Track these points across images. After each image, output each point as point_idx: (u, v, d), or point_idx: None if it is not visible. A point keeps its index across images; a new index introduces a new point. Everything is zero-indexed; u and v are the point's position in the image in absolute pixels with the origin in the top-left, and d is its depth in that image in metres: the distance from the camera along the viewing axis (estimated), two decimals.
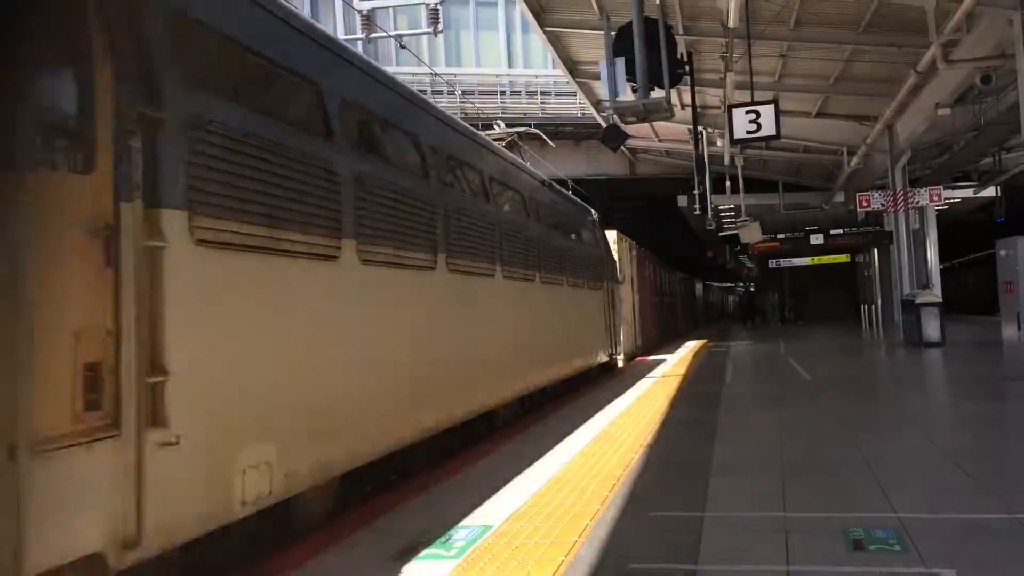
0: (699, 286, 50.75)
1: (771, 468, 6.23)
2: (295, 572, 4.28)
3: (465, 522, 5.07)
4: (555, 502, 5.46)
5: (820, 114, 22.13)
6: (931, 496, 5.18)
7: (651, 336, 25.13)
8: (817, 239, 32.36)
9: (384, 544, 4.67)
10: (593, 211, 16.16)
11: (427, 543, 4.63)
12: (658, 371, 15.91)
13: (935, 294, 19.23)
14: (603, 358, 15.34)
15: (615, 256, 18.10)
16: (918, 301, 18.31)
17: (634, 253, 22.13)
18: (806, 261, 37.69)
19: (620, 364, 17.79)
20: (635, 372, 16.09)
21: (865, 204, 24.08)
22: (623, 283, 19.12)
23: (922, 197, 23.02)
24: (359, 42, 16.25)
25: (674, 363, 17.91)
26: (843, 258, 37.59)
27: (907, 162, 22.85)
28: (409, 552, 4.48)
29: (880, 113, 19.94)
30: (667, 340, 28.98)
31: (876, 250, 32.82)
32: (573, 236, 13.63)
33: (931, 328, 17.83)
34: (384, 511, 5.47)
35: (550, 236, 11.57)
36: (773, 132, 11.69)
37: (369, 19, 15.04)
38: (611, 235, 18.46)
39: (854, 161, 23.84)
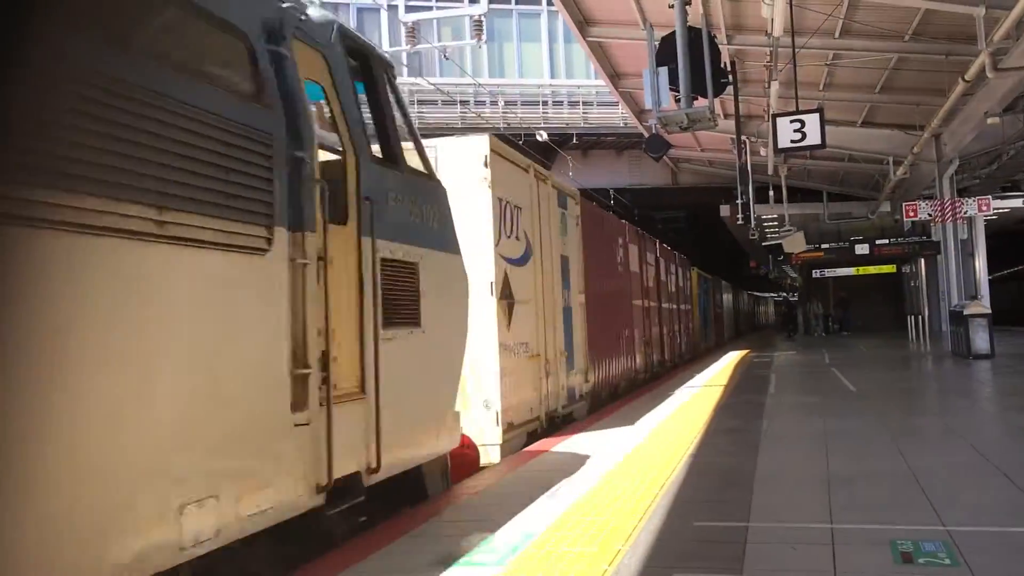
0: (729, 295, 43.86)
1: (817, 479, 6.17)
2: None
3: (506, 529, 5.09)
4: (598, 508, 5.46)
5: (865, 123, 21.89)
6: (982, 509, 5.10)
7: (629, 369, 15.49)
8: (862, 249, 31.94)
9: (424, 551, 4.71)
10: None
11: (468, 550, 4.66)
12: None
13: (984, 305, 18.88)
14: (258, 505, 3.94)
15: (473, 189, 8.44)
16: (966, 312, 17.99)
17: (577, 211, 12.18)
18: (851, 271, 37.21)
19: (492, 457, 8.17)
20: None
21: (912, 214, 23.70)
22: (529, 263, 9.74)
23: (970, 207, 22.62)
24: (403, 53, 16.42)
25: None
26: (889, 268, 37.06)
27: (955, 171, 22.48)
28: (449, 559, 4.50)
29: (927, 122, 19.66)
30: (677, 366, 21.23)
31: (923, 260, 32.30)
32: None
33: (980, 339, 17.50)
34: (425, 518, 5.51)
35: None
36: (818, 141, 11.61)
37: (414, 30, 15.21)
38: (472, 147, 8.67)
39: (900, 170, 23.52)
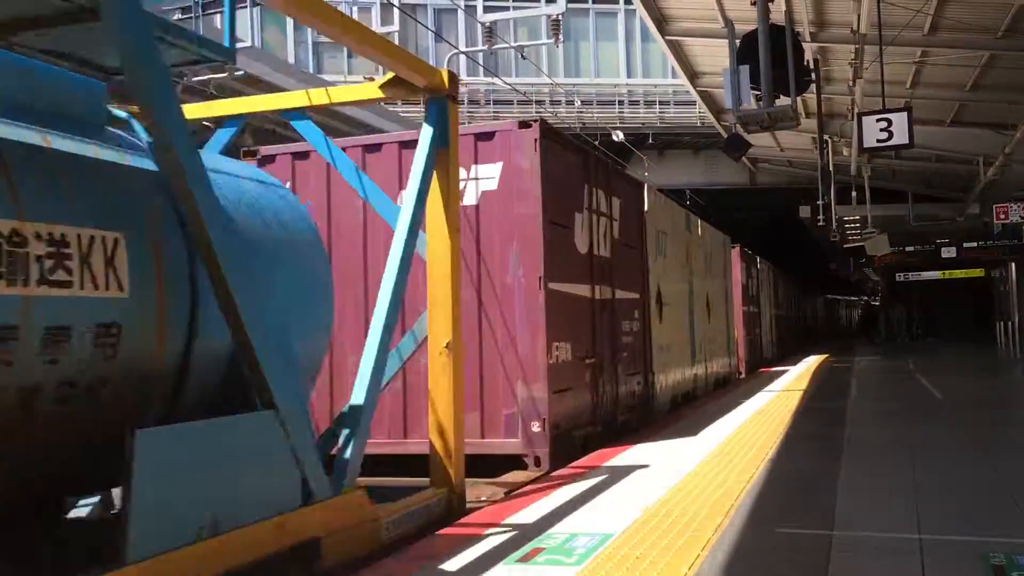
0: (798, 295, 41.58)
1: (903, 488, 6.01)
2: (415, 573, 4.35)
3: (585, 529, 5.07)
4: (676, 512, 5.40)
5: (954, 122, 21.18)
6: None
7: None
8: (949, 252, 30.99)
9: (504, 548, 4.72)
10: None
11: (547, 549, 4.65)
12: None
13: None
14: None
15: None
16: None
17: None
18: (936, 275, 36.10)
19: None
20: None
21: (1003, 216, 22.90)
22: None
23: None
24: (480, 53, 16.51)
25: None
26: (977, 272, 35.86)
27: None
28: (529, 557, 4.51)
29: (1020, 121, 18.94)
30: None
31: (1014, 264, 31.16)
32: None
33: None
34: (505, 514, 5.52)
35: None
36: (906, 140, 11.25)
37: (492, 31, 15.28)
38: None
39: (991, 171, 22.71)
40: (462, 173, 7.53)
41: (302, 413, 4.76)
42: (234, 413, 4.34)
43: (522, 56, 16.21)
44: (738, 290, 20.31)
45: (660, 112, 32.76)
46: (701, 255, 15.19)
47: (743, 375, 19.73)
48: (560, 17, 15.18)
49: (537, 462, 7.56)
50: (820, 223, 24.05)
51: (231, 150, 6.69)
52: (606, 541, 4.77)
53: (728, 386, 16.69)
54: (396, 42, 8.77)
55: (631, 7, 29.68)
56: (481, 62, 23.45)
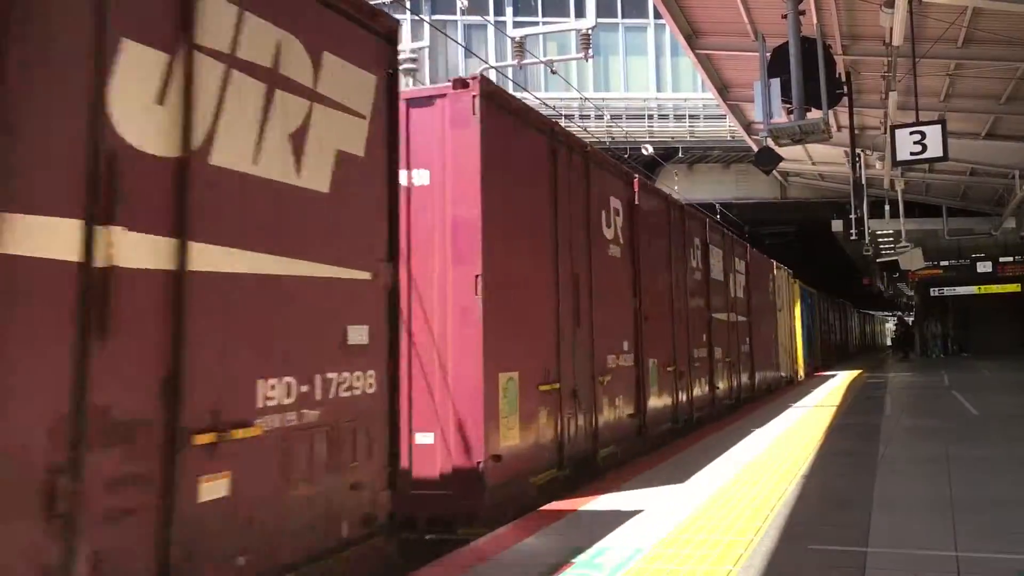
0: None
1: (939, 505, 5.91)
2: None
3: (615, 543, 5.04)
4: (708, 527, 5.35)
5: (989, 135, 20.94)
6: None
7: None
8: (984, 267, 30.61)
9: (533, 563, 4.70)
10: None
11: (576, 563, 4.63)
12: None
13: None
14: None
15: None
16: None
17: None
18: (972, 290, 35.59)
19: None
20: None
21: None
22: None
23: None
24: (510, 68, 16.57)
25: None
26: (1014, 287, 35.35)
27: None
28: (557, 571, 4.48)
29: None
30: None
31: None
32: None
33: None
34: (533, 529, 5.50)
35: None
36: (940, 153, 11.12)
37: (521, 46, 15.32)
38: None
39: None
40: None
41: None
42: None
43: (552, 71, 16.22)
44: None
45: (690, 126, 32.66)
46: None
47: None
48: (590, 32, 15.16)
49: None
50: (853, 237, 23.82)
51: None
52: (638, 555, 4.74)
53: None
54: (427, 57, 9.37)
55: (661, 22, 29.72)
56: (511, 77, 23.54)
